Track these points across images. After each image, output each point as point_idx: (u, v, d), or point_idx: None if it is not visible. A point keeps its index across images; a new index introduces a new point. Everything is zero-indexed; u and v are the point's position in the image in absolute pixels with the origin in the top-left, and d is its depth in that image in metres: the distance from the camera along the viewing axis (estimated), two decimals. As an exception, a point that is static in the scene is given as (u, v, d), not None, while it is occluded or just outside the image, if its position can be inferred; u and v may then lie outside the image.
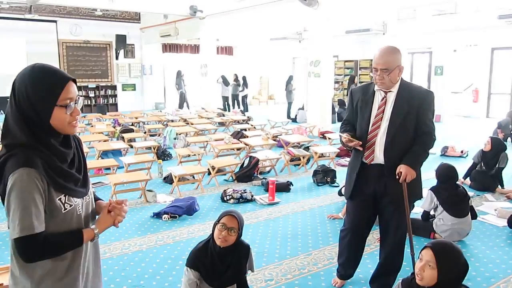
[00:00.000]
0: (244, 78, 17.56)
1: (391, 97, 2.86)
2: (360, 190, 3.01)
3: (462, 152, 8.23)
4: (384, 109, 2.86)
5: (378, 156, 2.88)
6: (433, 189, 4.25)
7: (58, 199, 1.47)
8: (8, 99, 1.48)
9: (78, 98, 1.51)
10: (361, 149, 2.89)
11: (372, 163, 2.91)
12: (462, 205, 4.16)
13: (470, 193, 4.62)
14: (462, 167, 6.29)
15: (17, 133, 1.42)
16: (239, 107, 16.04)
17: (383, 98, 2.88)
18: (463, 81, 14.80)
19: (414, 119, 2.82)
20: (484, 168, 5.94)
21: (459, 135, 10.79)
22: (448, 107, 13.90)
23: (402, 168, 2.78)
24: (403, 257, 3.09)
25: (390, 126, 2.83)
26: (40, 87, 1.42)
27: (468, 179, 6.07)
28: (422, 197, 3.24)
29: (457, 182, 4.37)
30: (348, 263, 3.28)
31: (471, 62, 14.54)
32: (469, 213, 4.18)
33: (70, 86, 1.47)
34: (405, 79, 2.94)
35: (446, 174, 4.30)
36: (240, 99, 16.76)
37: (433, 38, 13.51)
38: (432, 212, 4.29)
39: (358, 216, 3.12)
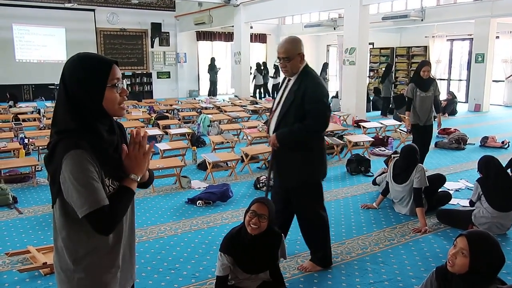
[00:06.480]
0: (276, 66, 17.47)
1: (289, 85, 3.09)
2: None
3: (503, 143, 7.92)
4: (281, 96, 3.13)
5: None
6: (479, 180, 4.12)
7: (105, 182, 1.53)
8: (56, 89, 1.55)
9: (122, 79, 1.61)
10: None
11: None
12: (507, 198, 3.99)
13: None
14: (503, 159, 6.07)
15: (67, 120, 1.50)
16: (269, 96, 15.94)
17: (286, 86, 3.12)
18: (505, 69, 14.21)
19: (300, 109, 3.00)
20: (527, 159, 5.72)
21: (501, 126, 10.40)
22: (489, 96, 13.38)
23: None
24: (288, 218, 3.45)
25: (279, 113, 3.10)
26: (91, 71, 1.51)
27: (509, 170, 5.85)
28: (299, 183, 3.22)
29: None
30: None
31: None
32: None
33: (115, 67, 1.56)
34: (310, 68, 3.10)
35: (487, 165, 4.13)
36: (270, 87, 16.65)
37: (474, 24, 12.97)
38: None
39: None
